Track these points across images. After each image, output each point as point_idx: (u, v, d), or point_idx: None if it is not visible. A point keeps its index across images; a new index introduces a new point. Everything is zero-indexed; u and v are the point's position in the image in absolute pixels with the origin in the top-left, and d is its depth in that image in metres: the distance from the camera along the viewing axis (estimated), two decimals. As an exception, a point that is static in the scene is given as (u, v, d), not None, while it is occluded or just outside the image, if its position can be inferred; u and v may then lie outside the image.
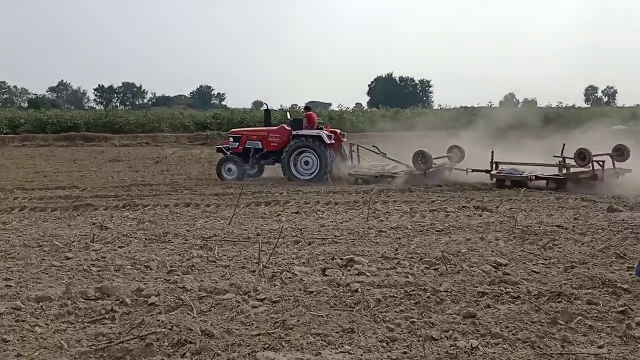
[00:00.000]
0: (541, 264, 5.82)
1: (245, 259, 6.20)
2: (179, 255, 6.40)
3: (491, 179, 12.89)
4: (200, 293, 4.95)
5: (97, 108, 73.00)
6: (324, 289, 5.03)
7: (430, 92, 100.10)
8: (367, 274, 5.47)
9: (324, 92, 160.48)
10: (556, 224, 7.87)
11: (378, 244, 6.81)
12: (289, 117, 15.37)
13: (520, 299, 4.72)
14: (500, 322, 4.22)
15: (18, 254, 6.52)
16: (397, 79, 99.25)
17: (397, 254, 6.29)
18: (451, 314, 4.41)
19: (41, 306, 4.67)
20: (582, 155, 12.24)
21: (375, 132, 30.06)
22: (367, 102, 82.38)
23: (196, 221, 8.55)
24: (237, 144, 14.66)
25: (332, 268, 5.70)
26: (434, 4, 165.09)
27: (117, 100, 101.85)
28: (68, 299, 4.87)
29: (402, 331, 4.11)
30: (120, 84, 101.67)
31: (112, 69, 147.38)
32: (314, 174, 13.74)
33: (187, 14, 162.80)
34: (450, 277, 5.37)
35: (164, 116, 35.99)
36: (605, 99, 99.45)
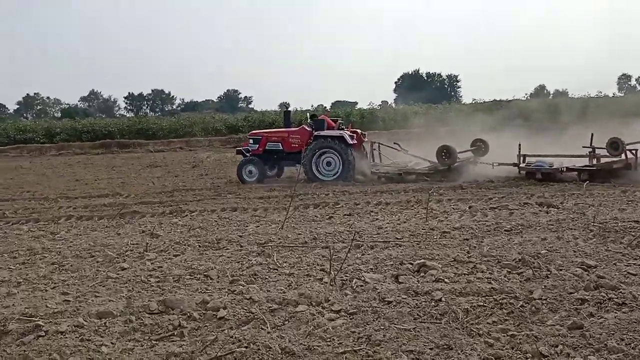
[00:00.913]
0: (635, 264, 5.32)
1: (307, 265, 5.84)
2: (238, 262, 6.09)
3: (519, 172, 12.47)
4: (270, 305, 4.61)
5: (127, 116, 74.11)
6: (403, 298, 4.63)
7: (459, 87, 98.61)
8: (445, 280, 5.06)
9: (349, 92, 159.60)
10: (633, 219, 7.32)
11: (446, 247, 6.38)
12: (308, 118, 15.08)
13: (627, 305, 4.25)
14: (613, 334, 3.76)
15: (71, 265, 6.30)
16: (424, 74, 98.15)
17: (470, 257, 5.85)
18: (553, 325, 3.97)
19: (104, 323, 4.39)
20: (615, 145, 11.94)
21: (401, 130, 29.70)
22: (394, 100, 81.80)
23: (247, 226, 8.25)
24: (257, 145, 14.46)
25: (405, 274, 5.30)
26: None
27: (147, 107, 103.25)
28: (131, 314, 4.58)
29: (503, 346, 3.69)
30: (150, 91, 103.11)
31: (141, 77, 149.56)
32: (337, 174, 13.40)
33: (210, 20, 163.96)
34: (539, 282, 4.91)
35: (195, 121, 36.03)
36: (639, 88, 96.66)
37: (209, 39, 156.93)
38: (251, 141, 14.72)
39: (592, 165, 12.17)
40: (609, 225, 6.97)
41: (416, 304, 4.49)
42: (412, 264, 5.66)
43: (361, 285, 5.06)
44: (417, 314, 4.30)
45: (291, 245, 6.82)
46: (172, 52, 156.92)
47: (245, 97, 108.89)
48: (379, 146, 15.05)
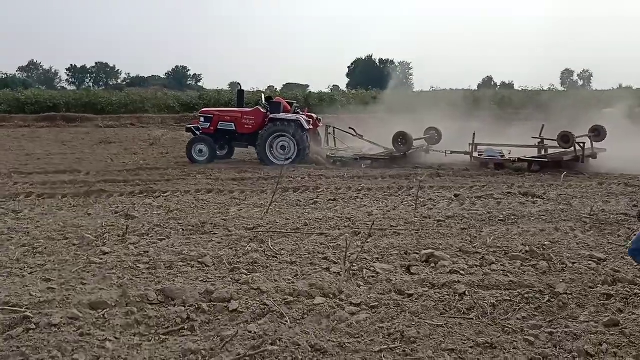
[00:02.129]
0: (642, 259, 5.29)
1: (308, 253, 5.54)
2: (231, 249, 5.71)
3: (471, 161, 12.75)
4: (283, 296, 4.29)
5: (68, 89, 70.76)
6: (423, 291, 4.41)
7: (411, 75, 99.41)
8: (460, 272, 4.88)
9: (299, 74, 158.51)
10: (620, 211, 7.40)
11: (446, 236, 6.21)
12: (263, 100, 14.71)
13: (654, 301, 4.17)
14: (652, 332, 3.66)
15: (45, 248, 5.75)
16: (377, 61, 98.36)
17: (475, 247, 5.71)
18: (588, 322, 3.84)
19: (102, 315, 3.96)
20: (566, 138, 12.34)
21: (350, 115, 29.66)
22: (347, 84, 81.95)
23: (228, 209, 7.84)
24: (209, 124, 13.95)
25: (416, 265, 5.08)
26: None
27: (90, 80, 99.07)
28: (128, 305, 4.16)
29: (545, 345, 3.52)
30: (94, 64, 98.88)
31: (84, 48, 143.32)
32: (291, 159, 13.03)
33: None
34: (557, 275, 4.80)
35: (147, 97, 34.68)
36: (581, 82, 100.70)
37: (159, 13, 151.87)
38: (202, 119, 14.16)
39: (544, 157, 12.57)
40: (599, 217, 7.00)
41: (439, 297, 4.28)
42: (418, 253, 5.45)
43: (372, 276, 4.80)
44: (444, 309, 4.09)
45: (283, 231, 6.48)
46: (118, 24, 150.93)
47: (195, 74, 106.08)
48: (334, 130, 14.91)
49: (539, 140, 13.37)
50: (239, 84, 16.60)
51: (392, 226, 6.71)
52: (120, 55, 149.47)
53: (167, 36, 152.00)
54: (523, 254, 5.39)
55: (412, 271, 4.93)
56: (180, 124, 30.31)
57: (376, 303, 4.18)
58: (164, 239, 6.13)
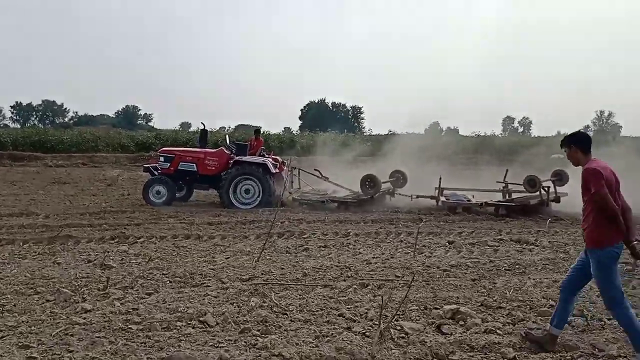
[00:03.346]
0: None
1: (320, 309, 5.00)
2: (233, 304, 5.11)
3: (437, 204, 12.69)
4: (311, 365, 3.74)
5: (11, 126, 67.64)
6: (469, 356, 3.94)
7: (362, 119, 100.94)
8: (497, 331, 4.45)
9: (251, 115, 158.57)
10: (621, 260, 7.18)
11: (460, 288, 5.81)
12: (227, 141, 14.26)
13: None
14: None
15: (15, 305, 5.00)
16: (329, 104, 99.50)
17: (497, 301, 5.31)
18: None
19: (103, 393, 3.30)
20: (532, 182, 12.47)
21: (314, 156, 29.58)
22: (299, 127, 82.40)
23: (214, 257, 7.22)
24: (169, 164, 13.21)
25: (446, 323, 4.62)
26: (360, 36, 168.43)
27: (35, 118, 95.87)
28: (129, 378, 3.52)
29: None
30: (40, 102, 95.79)
31: (29, 86, 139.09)
32: (255, 202, 12.50)
33: (110, 29, 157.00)
34: (597, 334, 4.44)
35: (100, 135, 33.40)
36: (521, 129, 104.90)
37: (109, 52, 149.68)
38: (162, 159, 13.39)
39: (511, 200, 12.63)
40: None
41: (490, 363, 3.83)
42: (439, 309, 5.00)
43: (403, 337, 4.31)
44: (497, 376, 3.63)
45: (283, 282, 5.92)
46: (64, 61, 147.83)
47: (145, 114, 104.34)
48: (299, 172, 14.54)
49: (503, 184, 13.50)
50: (202, 123, 15.96)
51: (397, 276, 6.26)
52: (67, 93, 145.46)
53: (117, 75, 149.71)
54: (549, 308, 5.03)
55: (443, 330, 4.47)
56: (135, 163, 29.33)
57: (420, 371, 3.69)
58: (152, 293, 5.46)
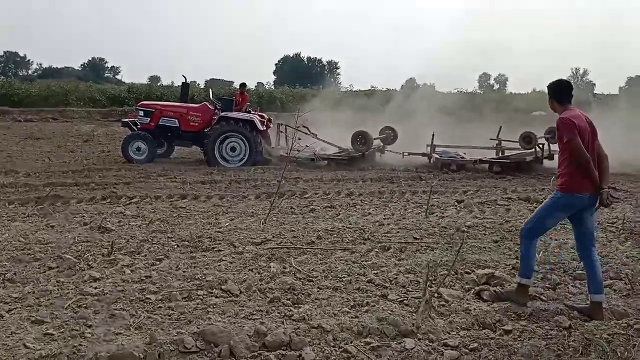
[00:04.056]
0: None
1: (346, 275, 4.71)
2: (252, 270, 4.80)
3: (429, 162, 12.61)
4: (356, 337, 3.46)
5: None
6: (522, 325, 3.72)
7: (338, 74, 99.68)
8: (541, 297, 4.24)
9: (225, 69, 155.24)
10: (637, 219, 7.08)
11: (485, 250, 5.59)
12: (211, 95, 13.71)
13: None
14: None
15: (15, 273, 4.58)
16: (305, 59, 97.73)
17: (527, 264, 5.09)
18: None
19: (139, 375, 2.97)
20: (528, 139, 12.44)
21: (288, 113, 29.09)
22: (274, 82, 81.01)
23: (217, 219, 6.85)
24: (149, 119, 12.66)
25: (485, 289, 4.38)
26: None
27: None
28: (160, 356, 3.20)
29: None
30: (1, 53, 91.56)
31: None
32: (242, 161, 12.09)
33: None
34: (644, 298, 4.27)
35: (70, 89, 32.03)
36: (497, 86, 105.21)
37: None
38: (141, 113, 12.82)
39: (506, 157, 12.52)
40: (627, 226, 6.61)
41: (543, 333, 3.61)
42: (470, 273, 4.78)
43: (444, 305, 4.06)
44: (558, 349, 3.42)
45: (298, 246, 5.61)
46: (29, 8, 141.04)
47: (113, 66, 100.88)
48: (285, 129, 14.10)
49: (497, 141, 13.39)
50: (184, 76, 15.35)
51: (415, 238, 6.00)
52: (30, 43, 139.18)
53: (84, 26, 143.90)
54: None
55: (484, 297, 4.23)
56: (108, 118, 28.37)
57: (474, 344, 3.45)
58: (163, 259, 5.10)
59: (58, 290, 4.23)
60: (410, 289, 4.38)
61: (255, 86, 50.97)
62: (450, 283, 4.57)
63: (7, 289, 4.23)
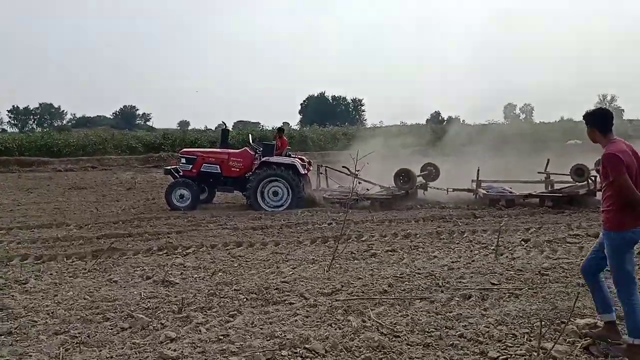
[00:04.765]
0: None
1: (435, 329, 4.41)
2: (332, 326, 4.54)
3: (475, 197, 12.29)
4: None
5: (9, 131, 66.75)
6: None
7: (363, 111, 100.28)
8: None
9: (251, 111, 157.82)
10: None
11: (574, 296, 5.21)
12: (251, 140, 13.69)
13: None
14: None
15: (88, 336, 4.41)
16: (329, 97, 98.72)
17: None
18: None
19: None
20: (580, 171, 11.99)
21: (319, 152, 29.12)
22: (300, 121, 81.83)
23: (279, 267, 6.64)
24: (191, 166, 12.63)
25: (590, 343, 4.04)
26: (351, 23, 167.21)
27: (33, 122, 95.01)
28: None
29: None
30: (37, 105, 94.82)
31: (25, 89, 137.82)
32: (284, 205, 11.89)
33: (102, 27, 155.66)
34: None
35: (107, 138, 32.71)
36: (523, 116, 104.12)
37: (100, 52, 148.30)
38: (183, 160, 12.80)
39: (558, 191, 12.10)
40: None
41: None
42: (565, 323, 4.43)
43: (552, 362, 3.73)
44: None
45: (374, 296, 5.34)
46: (61, 63, 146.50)
47: (144, 113, 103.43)
48: (325, 170, 13.93)
49: (545, 174, 13.04)
50: (223, 122, 15.43)
51: (493, 284, 5.68)
52: (63, 95, 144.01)
53: (111, 75, 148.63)
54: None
55: (593, 352, 3.89)
56: (145, 165, 28.78)
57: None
58: (236, 314, 4.88)
59: (136, 354, 4.04)
60: (508, 344, 4.06)
61: (280, 126, 51.39)
62: (550, 335, 4.23)
63: (83, 354, 4.07)
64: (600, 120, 3.91)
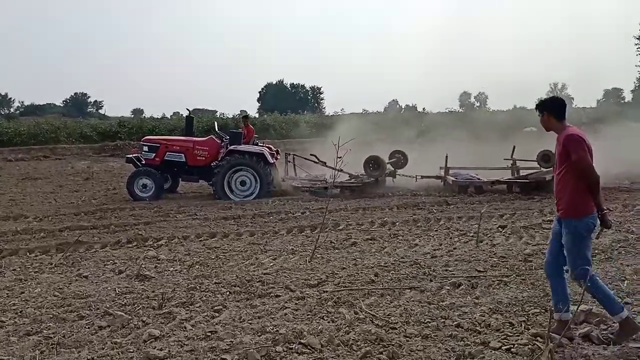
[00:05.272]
0: None
1: (431, 320, 4.30)
2: (325, 319, 4.36)
3: (444, 185, 12.35)
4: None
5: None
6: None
7: (322, 99, 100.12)
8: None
9: (207, 99, 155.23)
10: None
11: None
12: (216, 128, 13.38)
13: None
14: None
15: (64, 336, 4.10)
16: (288, 85, 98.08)
17: (619, 295, 4.72)
18: None
19: None
20: (547, 157, 12.11)
21: (279, 140, 28.87)
22: (258, 109, 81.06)
23: (258, 259, 6.42)
24: (154, 154, 12.23)
25: (590, 329, 4.00)
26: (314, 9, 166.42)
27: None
28: None
29: None
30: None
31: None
32: (253, 195, 11.62)
33: (51, 15, 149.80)
34: None
35: (59, 126, 31.40)
36: (478, 104, 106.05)
37: (49, 37, 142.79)
38: (145, 149, 12.40)
39: (525, 177, 12.25)
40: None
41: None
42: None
43: (557, 352, 3.65)
44: None
45: (362, 287, 5.20)
46: (6, 48, 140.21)
47: (95, 101, 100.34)
48: (293, 158, 13.74)
49: (512, 161, 13.20)
50: (188, 109, 14.87)
51: (478, 271, 5.63)
52: (11, 82, 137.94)
53: (63, 61, 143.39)
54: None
55: (593, 339, 3.85)
56: (101, 154, 27.86)
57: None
58: (221, 309, 4.65)
59: (119, 354, 3.77)
60: (507, 333, 3.98)
61: (238, 114, 50.68)
62: (546, 323, 4.17)
63: (61, 356, 3.77)
64: (556, 107, 3.93)
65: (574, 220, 3.76)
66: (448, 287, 5.09)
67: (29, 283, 5.58)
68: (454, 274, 5.51)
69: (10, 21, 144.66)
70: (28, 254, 6.87)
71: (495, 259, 6.05)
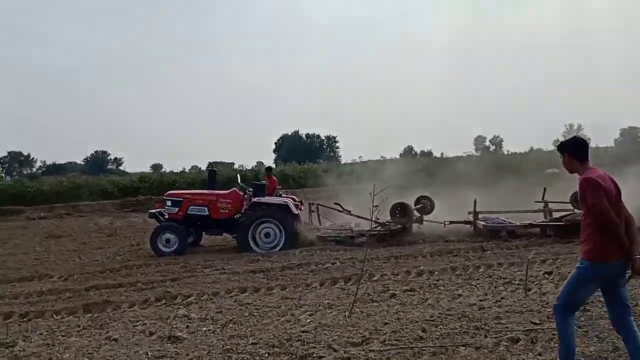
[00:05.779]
0: None
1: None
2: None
3: (473, 230, 11.93)
4: None
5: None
6: None
7: (337, 148, 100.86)
8: None
9: (224, 152, 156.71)
10: None
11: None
12: (239, 180, 13.25)
13: None
14: None
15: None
16: (303, 135, 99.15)
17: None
18: None
19: None
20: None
21: (300, 190, 28.70)
22: (274, 159, 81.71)
23: (294, 315, 6.09)
24: (177, 209, 12.06)
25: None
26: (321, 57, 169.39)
27: (2, 171, 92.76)
28: None
29: None
30: (5, 154, 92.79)
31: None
32: (278, 247, 11.33)
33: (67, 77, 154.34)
34: None
35: (81, 183, 31.72)
36: (493, 147, 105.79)
37: (66, 98, 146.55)
38: (169, 203, 12.23)
39: (559, 220, 11.84)
40: None
41: None
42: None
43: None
44: None
45: (410, 344, 4.82)
46: (27, 111, 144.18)
47: (115, 158, 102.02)
48: (317, 207, 13.49)
49: (543, 203, 12.86)
50: (210, 163, 14.93)
51: (534, 323, 5.23)
52: (33, 142, 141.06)
53: (82, 121, 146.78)
54: None
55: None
56: (122, 209, 27.86)
57: None
58: (263, 375, 4.31)
59: None
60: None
61: (255, 165, 50.94)
62: (624, 381, 3.77)
63: None
64: (577, 148, 3.84)
65: (587, 262, 3.70)
66: (506, 343, 4.70)
67: (56, 348, 5.29)
68: (507, 328, 5.12)
69: (26, 84, 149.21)
70: (54, 315, 6.62)
71: (549, 310, 5.62)
